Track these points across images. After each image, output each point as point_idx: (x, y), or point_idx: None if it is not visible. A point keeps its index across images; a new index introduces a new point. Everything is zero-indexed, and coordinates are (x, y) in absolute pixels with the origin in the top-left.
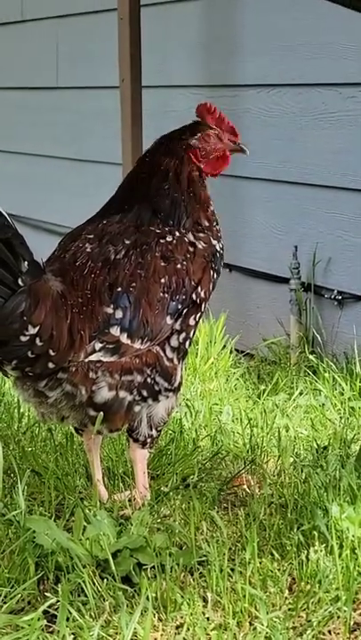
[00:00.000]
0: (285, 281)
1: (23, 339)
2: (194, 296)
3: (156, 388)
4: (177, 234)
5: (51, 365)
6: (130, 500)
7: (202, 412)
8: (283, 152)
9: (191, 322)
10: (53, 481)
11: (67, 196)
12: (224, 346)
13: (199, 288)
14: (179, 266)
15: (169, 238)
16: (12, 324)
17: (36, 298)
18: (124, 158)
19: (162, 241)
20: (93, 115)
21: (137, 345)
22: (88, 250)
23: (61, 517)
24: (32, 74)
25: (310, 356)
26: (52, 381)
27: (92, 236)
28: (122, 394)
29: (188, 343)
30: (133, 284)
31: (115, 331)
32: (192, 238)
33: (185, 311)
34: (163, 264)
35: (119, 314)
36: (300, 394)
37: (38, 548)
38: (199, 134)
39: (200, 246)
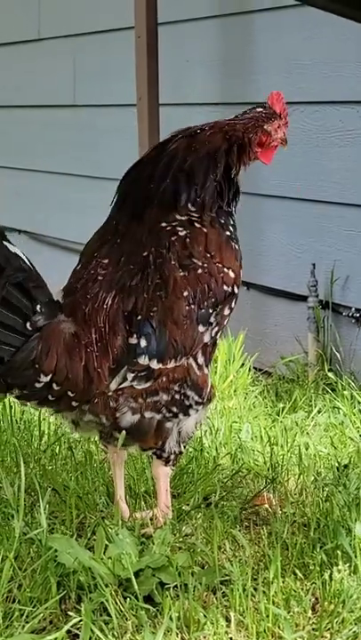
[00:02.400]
0: (303, 299)
1: (38, 385)
2: (225, 288)
3: (187, 402)
4: (184, 219)
5: (74, 403)
6: (151, 519)
7: (222, 430)
8: (300, 170)
9: (226, 312)
10: (74, 499)
11: (83, 213)
12: (242, 364)
13: (230, 272)
14: (200, 271)
15: (181, 232)
16: (25, 372)
17: (47, 344)
18: None
19: (176, 243)
20: (111, 132)
21: (171, 365)
22: (100, 278)
23: (83, 536)
24: (49, 92)
25: (329, 374)
26: (77, 411)
27: (106, 261)
28: (148, 414)
29: (220, 334)
30: (154, 309)
31: (143, 360)
32: (197, 217)
33: (218, 307)
34: (182, 274)
35: (143, 342)
36: (319, 412)
37: (60, 566)
38: (274, 121)
39: (217, 225)
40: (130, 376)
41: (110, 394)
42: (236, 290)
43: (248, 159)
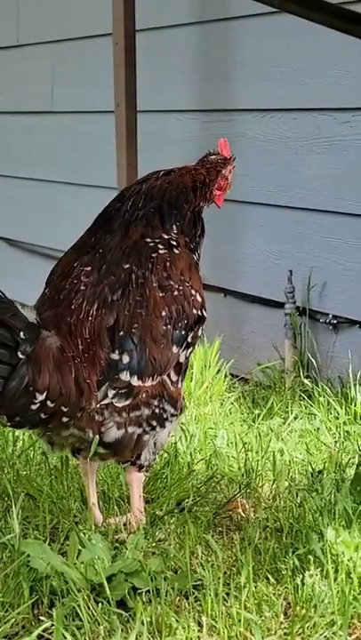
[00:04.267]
0: (280, 305)
1: (34, 407)
2: (194, 311)
3: (164, 415)
4: (166, 236)
5: (64, 419)
6: (125, 524)
7: (197, 435)
8: (278, 177)
9: (199, 333)
10: (48, 504)
11: (62, 220)
12: (218, 370)
13: (198, 296)
14: (175, 293)
15: (162, 251)
16: (19, 400)
17: (37, 363)
18: (120, 183)
19: (157, 263)
20: (89, 139)
21: (148, 383)
22: (82, 288)
23: (56, 541)
24: (27, 98)
25: (305, 380)
26: (60, 427)
27: (88, 269)
28: (131, 429)
29: (191, 353)
30: (135, 325)
31: (125, 376)
32: (176, 239)
33: (190, 330)
34: (161, 295)
35: (126, 358)
36: (295, 418)
37: (33, 571)
38: (227, 166)
39: (188, 250)
40: (110, 393)
41: (95, 408)
42: (204, 313)
43: (209, 199)
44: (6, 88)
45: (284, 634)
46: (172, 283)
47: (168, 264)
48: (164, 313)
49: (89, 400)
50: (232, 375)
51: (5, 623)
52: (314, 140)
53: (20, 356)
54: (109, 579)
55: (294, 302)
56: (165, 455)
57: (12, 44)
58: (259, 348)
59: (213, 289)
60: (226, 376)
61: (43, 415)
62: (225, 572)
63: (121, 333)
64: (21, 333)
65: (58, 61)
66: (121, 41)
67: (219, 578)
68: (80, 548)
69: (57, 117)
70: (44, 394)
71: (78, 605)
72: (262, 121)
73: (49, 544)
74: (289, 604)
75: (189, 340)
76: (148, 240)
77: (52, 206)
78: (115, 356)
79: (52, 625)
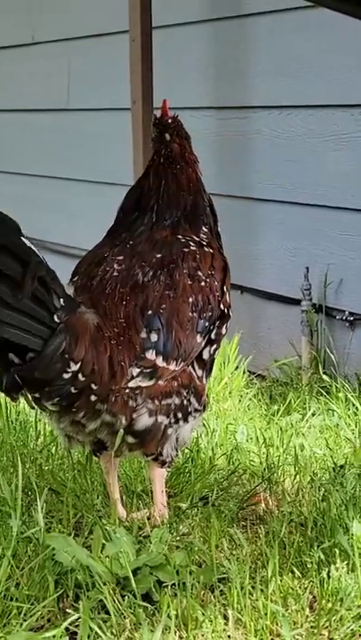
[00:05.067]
0: (297, 302)
1: (66, 376)
2: (221, 306)
3: (189, 408)
4: (197, 239)
5: (93, 398)
6: (148, 519)
7: (217, 431)
8: (294, 174)
9: (223, 331)
10: (71, 499)
11: (78, 217)
12: (237, 367)
13: (226, 295)
14: (203, 284)
15: (193, 247)
16: (55, 364)
17: (75, 334)
18: (136, 180)
19: (188, 255)
20: (105, 136)
21: (172, 367)
22: (115, 274)
23: (80, 535)
24: (43, 96)
25: (324, 377)
26: (91, 413)
27: (120, 258)
28: (160, 418)
29: (217, 353)
30: (163, 306)
31: (150, 355)
32: (207, 241)
33: (217, 322)
34: (189, 283)
35: (154, 337)
36: (313, 414)
37: (58, 565)
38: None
39: (220, 253)
40: (135, 371)
41: (128, 391)
42: (230, 312)
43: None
44: (22, 86)
45: (311, 627)
46: (200, 274)
47: (198, 257)
48: (191, 299)
49: (119, 383)
50: (249, 372)
51: (31, 616)
52: (331, 136)
53: (57, 320)
54: (134, 572)
55: (311, 299)
56: (187, 450)
57: (28, 41)
58: (275, 345)
59: (230, 286)
60: (244, 372)
61: (72, 389)
62: (250, 566)
63: (149, 312)
64: (61, 300)
65: (74, 59)
66: (137, 38)
67: (244, 571)
68: (104, 541)
69: (73, 115)
70: (78, 365)
71: (104, 598)
72: (278, 118)
73: (73, 538)
74: (315, 597)
75: (213, 336)
76: (180, 237)
77: (68, 204)
78: (143, 335)
79: (79, 618)
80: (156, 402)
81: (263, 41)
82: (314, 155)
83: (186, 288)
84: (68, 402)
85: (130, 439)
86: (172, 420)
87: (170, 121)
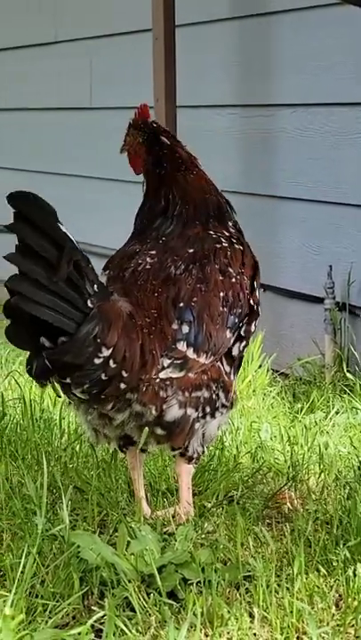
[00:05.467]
0: (320, 300)
1: (97, 361)
2: (251, 302)
3: (217, 403)
4: (227, 234)
5: (122, 386)
6: (173, 516)
7: (241, 429)
8: (318, 171)
9: (252, 328)
10: (96, 497)
11: (101, 216)
12: (260, 365)
13: (256, 292)
14: (233, 280)
15: (225, 243)
16: (87, 348)
17: (108, 320)
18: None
19: (219, 251)
20: None
21: (202, 360)
22: (148, 267)
23: (105, 533)
24: (66, 94)
25: (347, 374)
26: (121, 403)
27: (153, 252)
28: (189, 411)
29: (245, 350)
30: (195, 299)
31: (181, 346)
32: (237, 237)
33: (246, 319)
34: (221, 278)
35: (185, 328)
36: (337, 412)
37: (83, 562)
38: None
39: (250, 251)
40: (166, 362)
41: (158, 382)
42: (259, 310)
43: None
44: (44, 84)
45: (337, 625)
46: (231, 270)
47: (229, 253)
48: (222, 294)
49: (150, 372)
50: (273, 370)
51: (57, 614)
52: (355, 134)
53: (90, 305)
54: (159, 570)
55: (334, 297)
56: (212, 448)
57: (50, 40)
58: (298, 344)
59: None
60: (268, 370)
61: (103, 375)
62: (275, 564)
63: (181, 305)
64: (94, 286)
65: (96, 57)
66: (160, 36)
67: (270, 569)
68: (129, 539)
69: (95, 113)
70: (110, 350)
71: (130, 595)
72: (302, 115)
73: (98, 536)
74: (340, 595)
75: (242, 332)
76: (211, 232)
77: (89, 202)
78: (174, 326)
79: (104, 615)
80: (187, 394)
81: (287, 39)
82: (337, 153)
83: (217, 283)
84: (98, 389)
85: (158, 431)
86: (200, 415)
87: (155, 125)
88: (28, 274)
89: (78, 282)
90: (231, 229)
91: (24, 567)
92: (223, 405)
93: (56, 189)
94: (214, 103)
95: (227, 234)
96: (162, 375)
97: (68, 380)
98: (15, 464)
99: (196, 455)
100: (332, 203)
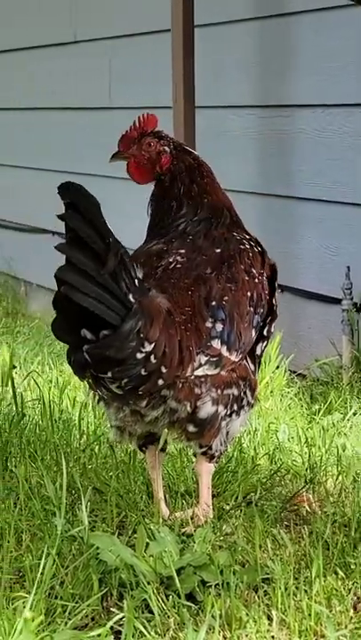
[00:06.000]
0: (337, 301)
1: (139, 356)
2: (273, 301)
3: (244, 401)
4: (247, 237)
5: (160, 382)
6: (191, 518)
7: (259, 430)
8: (336, 172)
9: (272, 329)
10: (115, 498)
11: (120, 215)
12: (278, 366)
13: (275, 294)
14: (256, 280)
15: (247, 245)
16: (130, 343)
17: (150, 315)
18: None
19: (243, 252)
20: None
21: (233, 357)
22: (178, 266)
23: (123, 534)
24: (84, 94)
25: None
26: (156, 399)
27: (182, 251)
28: (220, 408)
29: (265, 350)
30: (226, 298)
31: (216, 344)
32: (256, 240)
33: (268, 319)
34: (247, 278)
35: (219, 327)
36: (355, 414)
37: (102, 564)
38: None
39: (263, 247)
40: (203, 359)
41: (193, 378)
42: (277, 312)
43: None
44: (63, 84)
45: (355, 628)
46: (254, 271)
47: (251, 255)
48: (249, 294)
49: (186, 368)
50: (290, 371)
51: (76, 615)
52: None
53: (132, 299)
54: (178, 572)
55: (352, 298)
56: (230, 450)
57: (70, 40)
58: (316, 345)
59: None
60: (285, 371)
61: (143, 370)
62: (294, 566)
63: (213, 303)
64: (135, 281)
65: (115, 57)
66: (179, 37)
67: (288, 572)
68: (148, 541)
69: (114, 113)
70: (152, 346)
71: (149, 597)
72: (320, 116)
73: (117, 537)
74: (358, 598)
75: (265, 332)
76: (235, 234)
77: (108, 202)
78: (208, 324)
79: (123, 617)
80: (219, 391)
81: (306, 39)
82: (356, 153)
83: (244, 283)
84: (136, 384)
85: (190, 428)
86: (228, 412)
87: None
88: (77, 264)
89: (122, 276)
90: (250, 234)
91: (43, 568)
92: (248, 403)
93: None
94: (232, 104)
95: (247, 237)
96: (198, 372)
97: (107, 375)
98: (34, 465)
99: (218, 454)
100: (351, 204)
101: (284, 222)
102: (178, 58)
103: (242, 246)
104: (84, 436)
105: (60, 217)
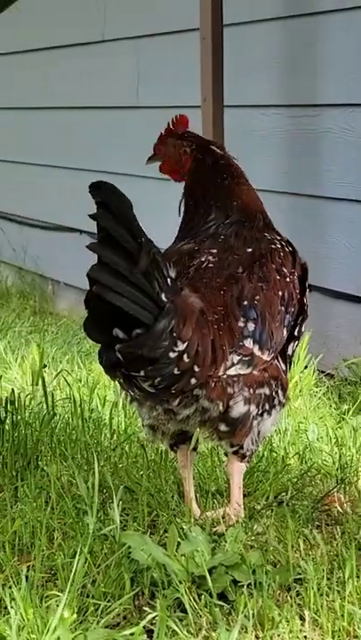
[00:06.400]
0: None
1: (172, 355)
2: (304, 300)
3: (275, 401)
4: (278, 237)
5: (193, 381)
6: (223, 517)
7: (289, 430)
8: None
9: (303, 329)
10: (146, 497)
11: (147, 215)
12: (306, 365)
13: (306, 293)
14: (288, 279)
15: (278, 245)
16: (163, 342)
17: (183, 314)
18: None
19: (275, 251)
20: None
21: (265, 357)
22: (210, 265)
23: (155, 533)
24: (112, 93)
25: None
26: (188, 399)
27: (214, 251)
28: (252, 408)
29: (295, 349)
30: (257, 297)
31: (248, 343)
32: (287, 240)
33: (299, 319)
34: (278, 277)
35: (251, 326)
36: None
37: (133, 563)
38: None
39: (295, 248)
40: (235, 358)
41: (226, 378)
42: (308, 312)
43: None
44: (91, 83)
45: None
46: (285, 270)
47: (282, 254)
48: (280, 293)
49: (219, 368)
50: (318, 371)
51: (108, 614)
52: None
53: (164, 299)
54: (210, 571)
55: None
56: (261, 449)
57: (98, 39)
58: (344, 344)
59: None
60: (314, 371)
61: (175, 370)
62: (326, 567)
63: (245, 303)
64: (168, 280)
65: (143, 57)
66: (208, 36)
67: (321, 572)
68: (180, 540)
69: (142, 112)
70: (185, 345)
71: (181, 597)
72: (349, 116)
73: (148, 536)
74: None
75: (296, 332)
76: (266, 234)
77: (138, 202)
78: (240, 324)
79: (155, 616)
80: (251, 390)
81: (335, 39)
82: None
83: (276, 282)
84: (168, 383)
85: (222, 427)
86: (259, 412)
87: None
88: (110, 264)
89: (155, 275)
90: (280, 235)
91: (75, 567)
92: (280, 403)
93: None
94: (259, 103)
95: (278, 237)
96: (231, 372)
97: (139, 374)
98: (65, 464)
99: (249, 453)
100: None
101: (312, 222)
102: (206, 57)
103: (273, 246)
104: (115, 435)
105: (92, 216)
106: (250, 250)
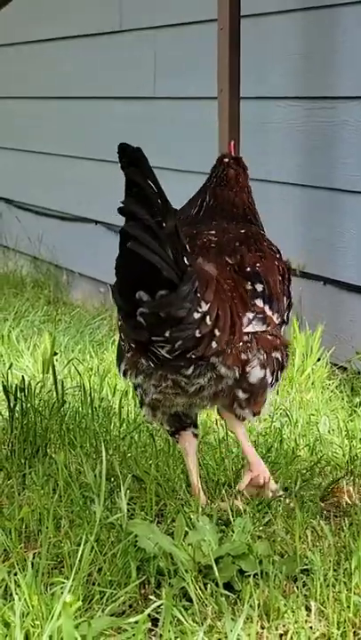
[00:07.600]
0: None
1: (196, 316)
2: (290, 290)
3: (281, 370)
4: (266, 236)
5: (213, 345)
6: (261, 484)
7: (300, 421)
8: None
9: (290, 315)
10: (154, 486)
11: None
12: (319, 358)
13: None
14: (278, 256)
15: (265, 236)
16: (188, 302)
17: (204, 278)
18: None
19: (263, 237)
20: (191, 125)
21: (275, 319)
22: (213, 245)
23: (162, 522)
24: (129, 84)
25: None
26: (202, 367)
27: (213, 232)
28: (267, 373)
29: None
30: (258, 264)
31: (259, 302)
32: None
33: (287, 305)
34: (271, 252)
35: (259, 287)
36: None
37: (140, 551)
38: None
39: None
40: (250, 315)
41: (241, 344)
42: (292, 303)
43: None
44: (108, 73)
45: None
46: (274, 249)
47: (270, 242)
48: (276, 263)
49: (236, 334)
50: (331, 364)
51: (113, 602)
52: None
53: (186, 262)
54: (217, 561)
55: None
56: (270, 440)
57: (115, 29)
58: (357, 337)
59: (313, 277)
60: (326, 364)
61: (197, 332)
62: (333, 558)
63: (248, 269)
64: (187, 246)
65: (160, 47)
66: (226, 26)
67: (328, 563)
68: (187, 529)
69: (159, 103)
70: (208, 306)
71: (187, 586)
72: None
73: (156, 525)
74: None
75: (285, 317)
76: (254, 227)
77: None
78: (248, 286)
79: (160, 605)
80: (265, 354)
81: (353, 31)
82: None
83: (270, 254)
84: (189, 346)
85: (241, 394)
86: (273, 380)
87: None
88: (143, 220)
89: (179, 237)
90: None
91: (82, 555)
92: (283, 368)
93: (118, 179)
94: (276, 95)
95: (266, 236)
96: (249, 329)
97: (161, 337)
98: (74, 452)
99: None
100: None
101: (327, 214)
102: (224, 48)
103: (261, 232)
104: (124, 424)
105: (124, 170)
106: (243, 231)
